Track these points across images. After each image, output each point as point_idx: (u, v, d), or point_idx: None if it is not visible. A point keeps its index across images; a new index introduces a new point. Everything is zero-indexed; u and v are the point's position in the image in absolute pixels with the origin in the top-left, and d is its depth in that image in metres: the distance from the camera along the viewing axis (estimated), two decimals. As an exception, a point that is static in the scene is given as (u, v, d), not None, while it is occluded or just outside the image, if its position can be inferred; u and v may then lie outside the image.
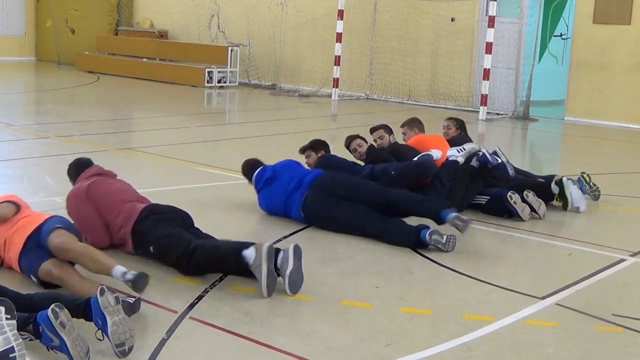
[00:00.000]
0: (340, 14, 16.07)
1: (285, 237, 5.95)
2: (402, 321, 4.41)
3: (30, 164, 8.02)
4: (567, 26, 16.89)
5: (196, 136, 11.14)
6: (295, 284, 4.64)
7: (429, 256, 5.54)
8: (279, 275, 4.64)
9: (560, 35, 17.38)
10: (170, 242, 4.93)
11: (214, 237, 5.14)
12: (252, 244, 4.67)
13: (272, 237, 5.89)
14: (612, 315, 4.63)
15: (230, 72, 17.62)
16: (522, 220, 6.66)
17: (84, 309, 3.86)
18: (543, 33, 16.42)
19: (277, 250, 4.67)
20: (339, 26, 16.05)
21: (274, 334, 4.14)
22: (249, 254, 4.60)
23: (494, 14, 14.06)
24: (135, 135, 11.54)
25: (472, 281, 5.19)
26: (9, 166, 8.20)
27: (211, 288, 4.72)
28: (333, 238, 5.98)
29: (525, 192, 6.78)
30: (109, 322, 3.74)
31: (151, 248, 5.03)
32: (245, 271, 4.68)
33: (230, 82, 17.56)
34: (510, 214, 6.70)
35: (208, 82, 17.13)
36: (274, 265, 4.62)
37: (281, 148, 10.41)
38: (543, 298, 4.89)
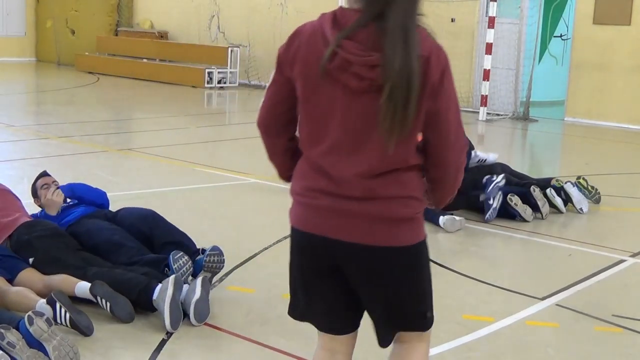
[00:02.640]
0: (341, 15, 16.07)
1: (285, 238, 5.95)
2: (402, 321, 4.40)
3: (30, 164, 8.02)
4: (567, 27, 16.88)
5: (196, 137, 11.14)
6: (202, 313, 4.20)
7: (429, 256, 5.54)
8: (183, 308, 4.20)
9: (560, 35, 17.37)
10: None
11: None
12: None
13: (273, 237, 5.89)
14: (612, 316, 4.63)
15: (230, 72, 17.62)
16: (525, 221, 6.65)
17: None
18: (543, 34, 16.41)
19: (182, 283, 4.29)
20: (339, 27, 16.06)
21: (274, 334, 4.14)
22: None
23: (494, 15, 14.05)
24: (135, 135, 11.55)
25: (472, 281, 5.19)
26: (9, 167, 8.20)
27: (211, 288, 4.71)
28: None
29: (532, 187, 6.80)
30: (49, 350, 3.58)
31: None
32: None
33: (230, 83, 17.55)
34: (512, 216, 6.69)
35: (208, 82, 17.12)
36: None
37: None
38: (543, 298, 4.89)
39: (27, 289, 4.18)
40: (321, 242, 2.45)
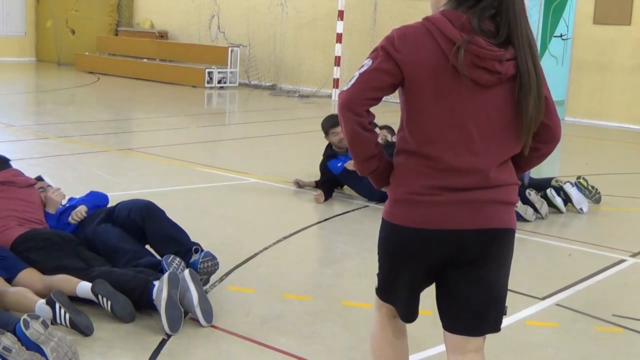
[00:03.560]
0: (341, 15, 16.07)
1: (285, 238, 5.95)
2: (402, 321, 4.40)
3: (30, 164, 8.01)
4: (567, 27, 16.88)
5: (196, 137, 11.14)
6: (208, 312, 4.20)
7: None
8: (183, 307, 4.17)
9: (561, 35, 17.36)
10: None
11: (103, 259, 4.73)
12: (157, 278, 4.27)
13: (272, 237, 5.89)
14: (612, 316, 4.63)
15: (231, 72, 17.62)
16: (526, 221, 6.65)
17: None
18: (543, 33, 16.41)
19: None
20: (339, 27, 16.05)
21: (274, 334, 4.14)
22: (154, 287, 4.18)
23: (494, 15, 14.05)
24: (135, 135, 11.54)
25: (472, 281, 5.19)
26: (12, 166, 8.18)
27: (211, 288, 4.72)
28: (333, 238, 5.97)
29: (527, 190, 6.79)
30: (47, 352, 3.57)
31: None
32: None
33: (230, 83, 17.55)
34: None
35: (208, 82, 17.12)
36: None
37: (281, 148, 10.41)
38: (543, 298, 4.89)
39: (27, 289, 4.17)
40: (445, 236, 2.56)
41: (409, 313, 2.82)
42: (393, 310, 2.83)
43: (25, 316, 3.65)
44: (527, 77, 2.49)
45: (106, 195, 5.46)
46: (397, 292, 2.76)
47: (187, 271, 4.27)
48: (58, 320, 3.90)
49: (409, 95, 2.54)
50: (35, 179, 5.40)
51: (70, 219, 5.12)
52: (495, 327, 2.73)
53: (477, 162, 2.53)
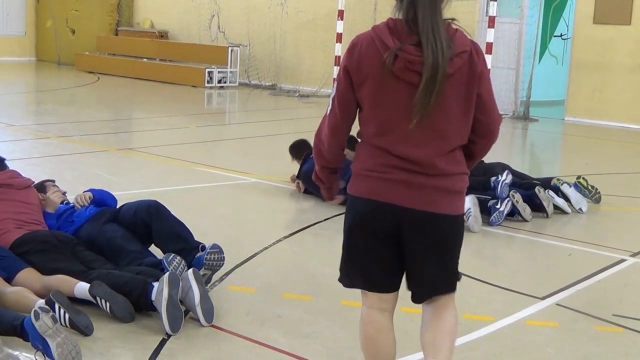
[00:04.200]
0: (341, 14, 16.05)
1: (285, 237, 5.95)
2: (402, 321, 4.39)
3: (30, 164, 8.01)
4: (567, 26, 16.88)
5: (196, 136, 11.14)
6: (209, 312, 4.20)
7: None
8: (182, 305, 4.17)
9: (561, 35, 17.36)
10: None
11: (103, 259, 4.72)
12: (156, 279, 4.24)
13: (272, 237, 5.90)
14: (613, 316, 4.63)
15: (231, 72, 17.62)
16: (524, 220, 6.65)
17: (20, 331, 3.68)
18: (543, 33, 16.41)
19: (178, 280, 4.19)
20: (339, 26, 16.04)
21: (274, 334, 4.14)
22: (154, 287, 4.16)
23: (494, 14, 14.04)
24: (135, 135, 11.54)
25: (472, 281, 5.19)
26: (8, 166, 8.18)
27: (211, 288, 4.71)
28: (333, 238, 5.97)
29: (537, 187, 6.81)
30: (53, 347, 3.56)
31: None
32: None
33: (230, 83, 17.55)
34: (511, 213, 6.70)
35: (208, 82, 17.12)
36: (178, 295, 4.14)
37: (281, 148, 10.41)
38: (543, 298, 4.89)
39: (26, 289, 4.17)
40: (390, 209, 2.91)
41: (382, 283, 3.08)
42: (372, 301, 3.12)
43: (36, 307, 3.66)
44: (436, 78, 2.80)
45: (115, 198, 5.44)
46: (363, 266, 3.07)
47: (190, 270, 4.27)
48: (58, 321, 3.89)
49: (360, 96, 2.93)
50: (46, 182, 5.42)
51: (74, 202, 5.15)
52: (454, 289, 3.16)
53: (422, 153, 2.87)
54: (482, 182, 6.82)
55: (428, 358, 3.10)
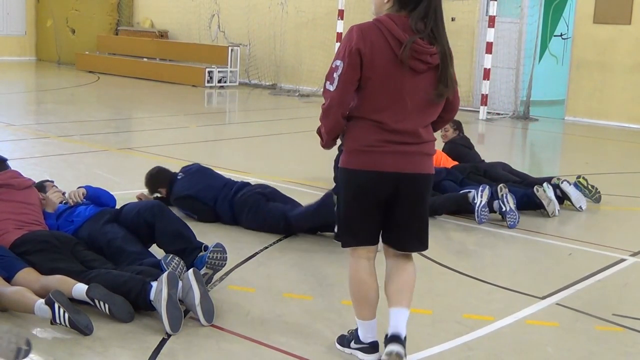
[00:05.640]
0: (341, 14, 16.07)
1: (285, 237, 5.95)
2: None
3: (31, 163, 8.01)
4: (568, 26, 16.88)
5: (196, 136, 11.14)
6: (209, 312, 4.19)
7: (430, 256, 5.54)
8: (182, 305, 4.18)
9: (561, 35, 17.36)
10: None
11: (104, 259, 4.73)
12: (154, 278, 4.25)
13: (273, 236, 5.89)
14: (613, 315, 4.63)
15: (231, 72, 17.62)
16: (548, 216, 6.83)
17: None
18: (543, 33, 16.41)
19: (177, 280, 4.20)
20: (339, 26, 16.05)
21: (274, 334, 4.14)
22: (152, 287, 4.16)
23: (494, 14, 14.05)
24: (135, 135, 11.55)
25: (472, 281, 5.19)
26: (10, 166, 8.18)
27: (211, 288, 4.71)
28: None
29: (535, 188, 6.83)
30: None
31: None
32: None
33: (230, 82, 17.56)
34: (537, 207, 6.87)
35: (208, 82, 17.12)
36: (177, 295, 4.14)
37: (281, 148, 10.41)
38: (543, 298, 4.89)
39: (26, 288, 4.17)
40: (392, 176, 3.54)
41: (373, 238, 3.71)
42: (361, 253, 3.71)
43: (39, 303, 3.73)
44: (448, 67, 3.51)
45: (114, 197, 5.43)
46: (362, 227, 3.66)
47: (190, 270, 4.26)
48: (57, 320, 3.89)
49: (366, 76, 3.47)
50: (46, 182, 5.43)
51: (67, 197, 5.16)
52: (425, 246, 3.78)
53: (411, 125, 3.52)
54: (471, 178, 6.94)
55: (394, 305, 3.69)
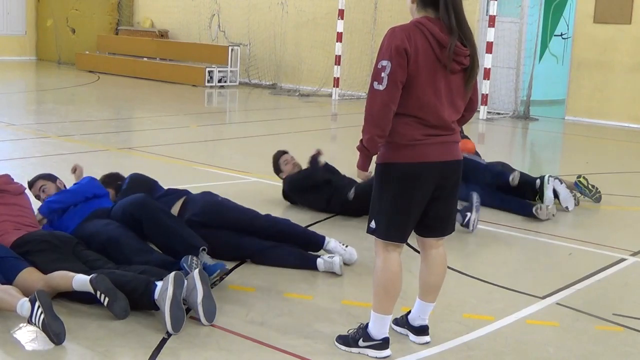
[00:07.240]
0: (341, 14, 16.06)
1: (285, 237, 5.94)
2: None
3: (31, 163, 8.02)
4: (568, 26, 16.88)
5: (196, 136, 11.14)
6: (210, 312, 4.20)
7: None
8: (186, 306, 4.20)
9: (561, 34, 17.36)
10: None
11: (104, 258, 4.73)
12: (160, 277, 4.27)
13: (273, 236, 5.89)
14: (613, 315, 4.63)
15: (231, 71, 17.62)
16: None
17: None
18: (543, 32, 16.41)
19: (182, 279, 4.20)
20: (340, 26, 16.05)
21: (274, 333, 4.14)
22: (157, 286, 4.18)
23: (495, 14, 14.05)
24: (135, 134, 11.55)
25: (472, 281, 5.19)
26: (9, 166, 8.18)
27: (211, 288, 4.71)
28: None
29: (534, 207, 6.85)
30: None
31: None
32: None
33: (230, 82, 17.56)
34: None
35: (208, 81, 17.12)
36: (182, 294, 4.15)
37: (281, 148, 10.40)
38: (543, 297, 4.89)
39: (13, 287, 4.15)
40: (437, 165, 3.77)
41: (408, 234, 3.88)
42: (399, 247, 3.85)
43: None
44: (476, 68, 3.78)
45: (91, 180, 5.60)
46: (410, 220, 3.82)
47: (196, 270, 4.27)
48: (33, 320, 3.85)
49: (410, 76, 3.65)
50: (43, 177, 5.60)
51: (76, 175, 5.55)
52: (453, 229, 4.07)
53: (447, 119, 3.77)
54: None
55: (430, 300, 4.06)
